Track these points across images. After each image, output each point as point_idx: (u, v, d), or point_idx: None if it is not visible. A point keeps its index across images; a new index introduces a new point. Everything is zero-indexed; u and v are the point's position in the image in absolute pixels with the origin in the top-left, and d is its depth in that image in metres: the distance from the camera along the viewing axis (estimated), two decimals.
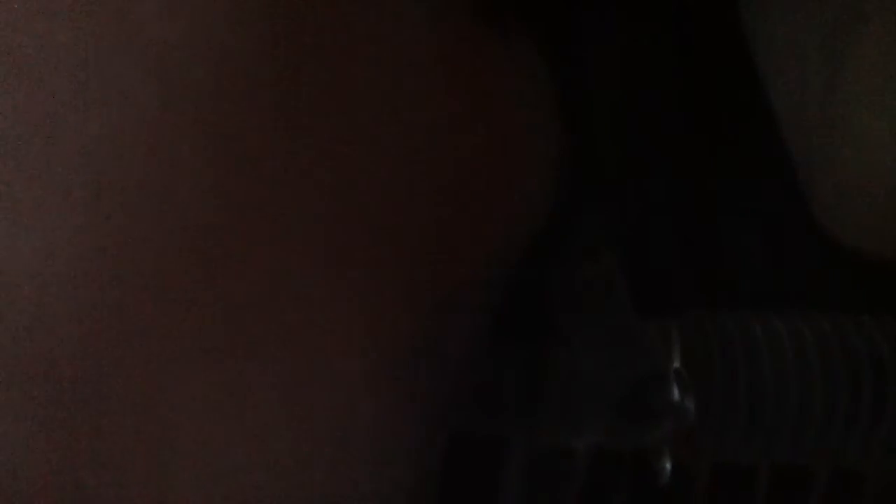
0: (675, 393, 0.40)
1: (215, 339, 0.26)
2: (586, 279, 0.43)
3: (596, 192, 0.44)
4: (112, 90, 0.24)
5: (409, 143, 0.30)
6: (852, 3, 0.40)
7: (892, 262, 0.40)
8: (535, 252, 0.43)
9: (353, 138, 0.28)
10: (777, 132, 0.41)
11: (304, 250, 0.27)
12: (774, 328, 0.40)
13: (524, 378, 0.41)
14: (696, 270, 0.46)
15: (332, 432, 0.30)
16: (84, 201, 0.24)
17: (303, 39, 0.27)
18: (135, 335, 0.24)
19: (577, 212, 0.44)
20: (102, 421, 0.25)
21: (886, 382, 0.39)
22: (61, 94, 0.24)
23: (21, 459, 0.24)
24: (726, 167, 0.45)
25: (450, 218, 0.33)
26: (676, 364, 0.40)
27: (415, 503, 0.35)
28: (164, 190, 0.24)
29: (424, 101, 0.31)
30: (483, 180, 0.34)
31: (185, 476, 0.26)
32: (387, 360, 0.31)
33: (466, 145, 0.32)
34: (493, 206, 0.35)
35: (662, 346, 0.41)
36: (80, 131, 0.24)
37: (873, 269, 0.40)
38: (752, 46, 0.42)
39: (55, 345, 0.24)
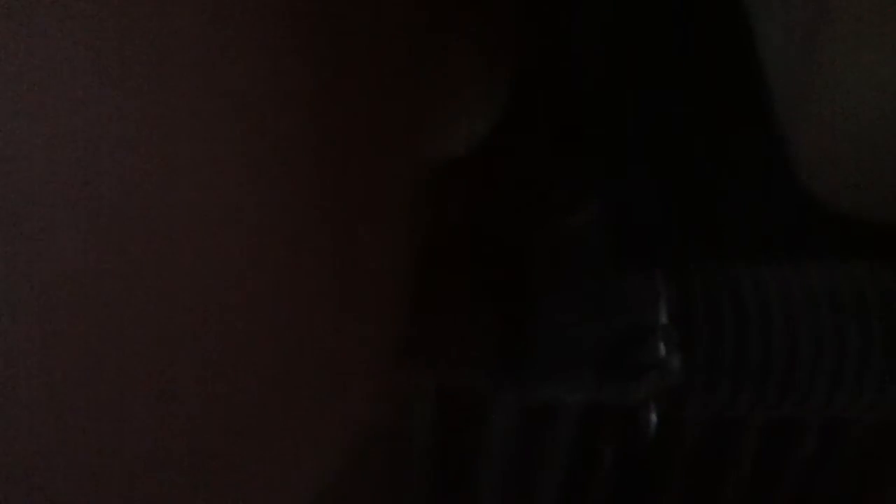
0: (662, 348, 0.39)
1: None
2: (567, 232, 0.42)
3: (575, 145, 0.43)
4: None
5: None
6: None
7: (872, 219, 0.40)
8: (515, 206, 0.43)
9: None
10: (762, 82, 0.40)
11: None
12: (760, 279, 0.40)
13: (508, 333, 0.41)
14: (678, 224, 0.45)
15: None
16: None
17: None
18: None
19: (557, 164, 0.43)
20: None
21: (872, 332, 0.39)
22: None
23: None
24: (708, 120, 0.44)
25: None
26: (664, 320, 0.39)
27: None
28: None
29: None
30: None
31: None
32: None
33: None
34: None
35: (648, 300, 0.40)
36: None
37: (855, 226, 0.40)
38: None
39: None
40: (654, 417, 0.41)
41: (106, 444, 0.26)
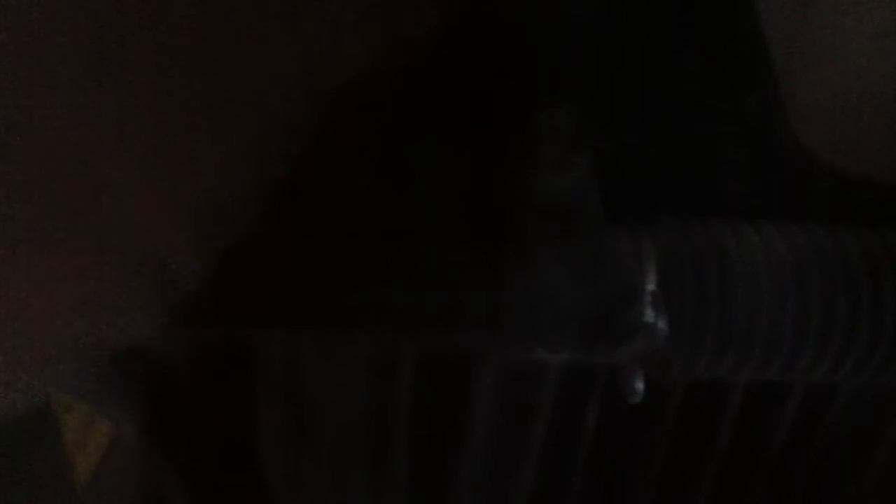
0: (648, 311, 0.39)
1: None
2: (556, 191, 0.42)
3: (570, 99, 0.42)
4: None
5: None
6: None
7: (868, 178, 0.39)
8: (508, 160, 0.42)
9: None
10: (759, 34, 0.39)
11: None
12: (749, 242, 0.40)
13: (493, 290, 0.40)
14: (670, 181, 0.45)
15: None
16: None
17: None
18: None
19: (551, 119, 0.42)
20: None
21: (860, 299, 0.38)
22: None
23: None
24: (703, 76, 0.43)
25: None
26: (650, 283, 0.39)
27: None
28: None
29: None
30: None
31: None
32: None
33: None
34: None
35: (635, 263, 0.40)
36: None
37: (850, 184, 0.39)
38: None
39: None
40: (639, 379, 0.41)
41: None
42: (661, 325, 0.39)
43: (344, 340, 0.42)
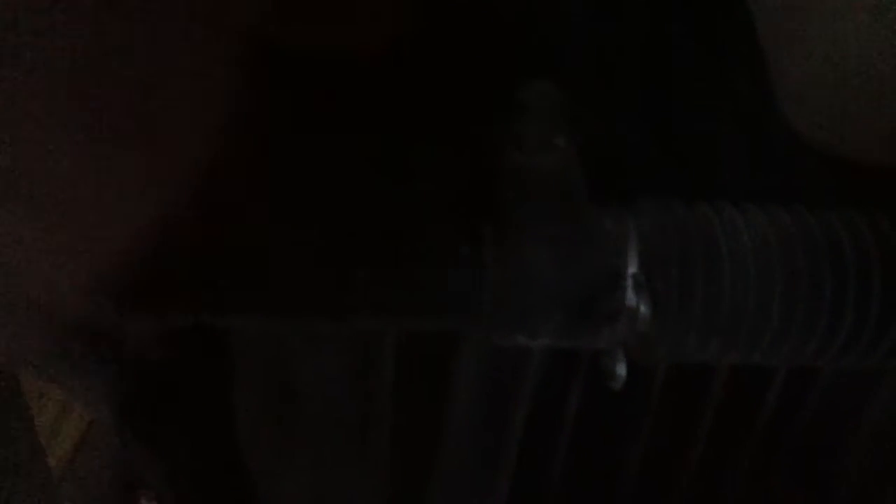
0: (632, 295, 0.38)
1: None
2: (541, 172, 0.41)
3: (557, 79, 0.42)
4: None
5: None
6: None
7: (856, 159, 0.39)
8: (491, 141, 0.42)
9: None
10: (750, 20, 0.38)
11: None
12: (735, 225, 0.39)
13: (475, 274, 0.39)
14: (656, 162, 0.44)
15: None
16: None
17: None
18: None
19: (536, 99, 0.41)
20: None
21: (847, 283, 0.38)
22: None
23: None
24: (695, 56, 0.42)
25: None
26: (633, 269, 0.38)
27: None
28: None
29: None
30: None
31: None
32: None
33: None
34: None
35: (619, 246, 0.39)
36: None
37: (837, 165, 0.39)
38: None
39: None
40: (621, 364, 0.40)
41: None
42: (644, 309, 0.38)
43: (325, 322, 0.41)
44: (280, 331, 0.43)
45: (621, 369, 0.40)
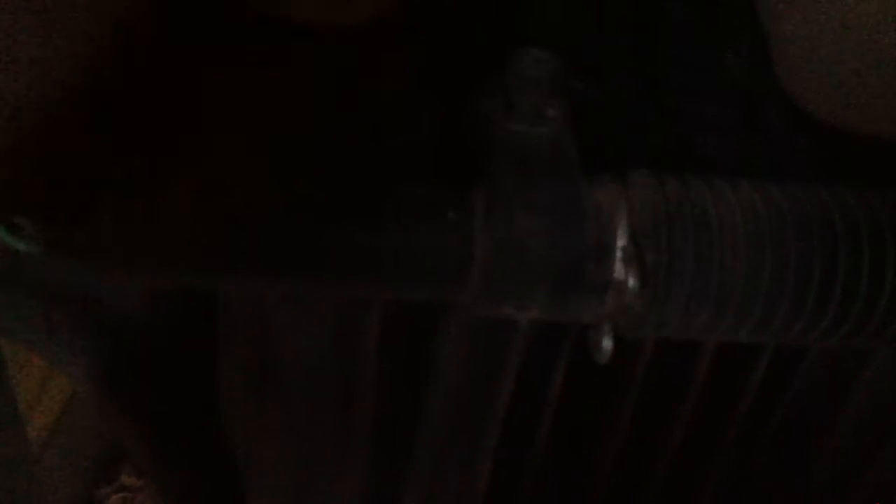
0: (620, 268, 0.38)
1: None
2: (534, 138, 0.40)
3: (556, 47, 0.41)
4: None
5: None
6: None
7: (855, 132, 0.38)
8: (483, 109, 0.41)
9: None
10: None
11: None
12: (726, 198, 0.39)
13: (463, 242, 0.39)
14: (649, 133, 0.44)
15: None
16: None
17: None
18: None
19: (529, 66, 0.41)
20: None
21: (837, 259, 0.37)
22: None
23: None
24: (692, 24, 0.42)
25: None
26: (623, 241, 0.38)
27: None
28: None
29: None
30: None
31: None
32: None
33: None
34: None
35: (609, 218, 0.39)
36: None
37: (836, 138, 0.38)
38: None
39: None
40: (608, 338, 0.40)
41: None
42: (632, 281, 0.38)
43: (310, 287, 0.41)
44: (264, 291, 0.43)
45: (608, 343, 0.40)
